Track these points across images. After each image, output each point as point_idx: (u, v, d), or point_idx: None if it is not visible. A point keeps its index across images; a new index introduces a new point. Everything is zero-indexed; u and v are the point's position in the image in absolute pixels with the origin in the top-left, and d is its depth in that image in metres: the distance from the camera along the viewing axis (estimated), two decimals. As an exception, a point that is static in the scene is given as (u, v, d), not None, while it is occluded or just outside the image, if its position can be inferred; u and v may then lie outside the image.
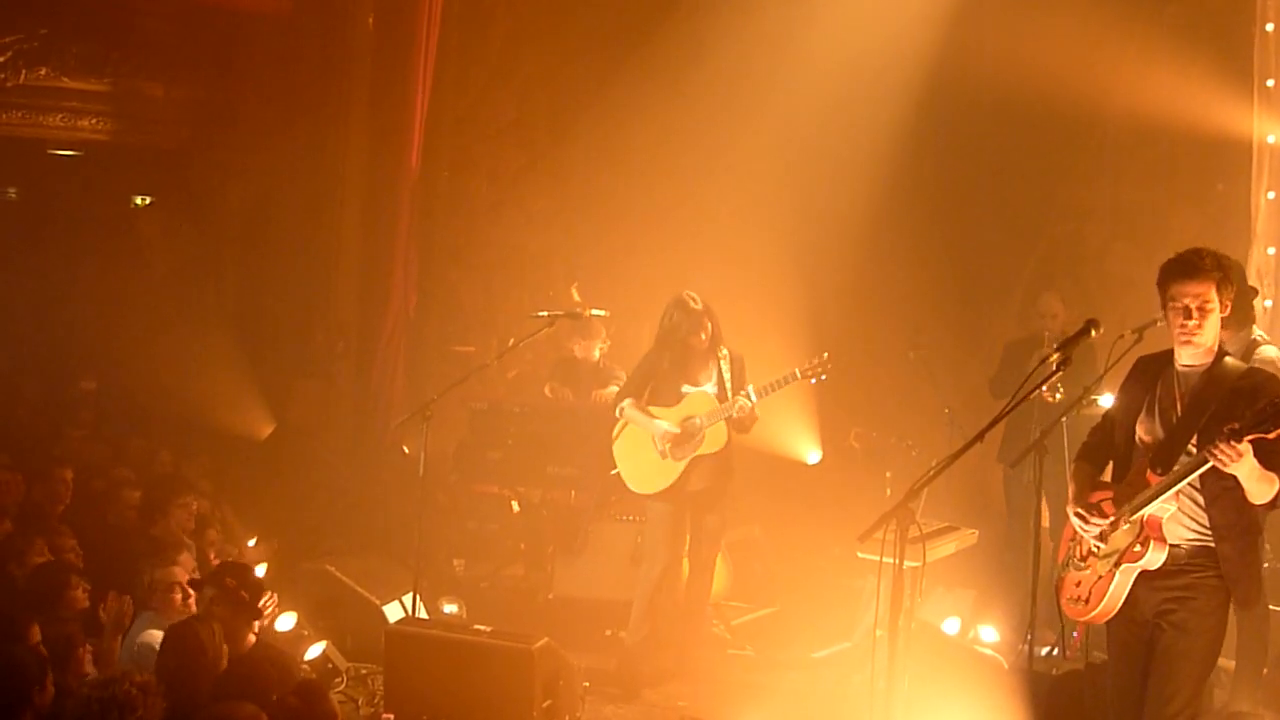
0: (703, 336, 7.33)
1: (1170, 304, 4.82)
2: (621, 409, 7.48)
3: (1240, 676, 6.51)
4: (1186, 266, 4.78)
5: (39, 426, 10.16)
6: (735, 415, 7.27)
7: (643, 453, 7.40)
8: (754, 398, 7.23)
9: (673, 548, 7.47)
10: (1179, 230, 9.98)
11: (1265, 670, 6.71)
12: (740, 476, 7.95)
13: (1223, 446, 4.52)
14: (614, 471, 7.45)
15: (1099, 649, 6.06)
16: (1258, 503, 4.68)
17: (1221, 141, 8.95)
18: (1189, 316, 4.76)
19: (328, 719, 5.14)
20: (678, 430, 7.31)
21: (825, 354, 7.32)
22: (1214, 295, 4.76)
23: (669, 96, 11.06)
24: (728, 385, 7.39)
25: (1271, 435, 4.46)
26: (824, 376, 7.33)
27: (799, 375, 7.29)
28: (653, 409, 7.43)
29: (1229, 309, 4.84)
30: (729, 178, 10.89)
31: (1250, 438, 4.47)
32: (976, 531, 6.77)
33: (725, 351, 7.44)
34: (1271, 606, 6.40)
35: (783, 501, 9.70)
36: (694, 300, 7.33)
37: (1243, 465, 4.56)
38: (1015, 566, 8.05)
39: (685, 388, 7.39)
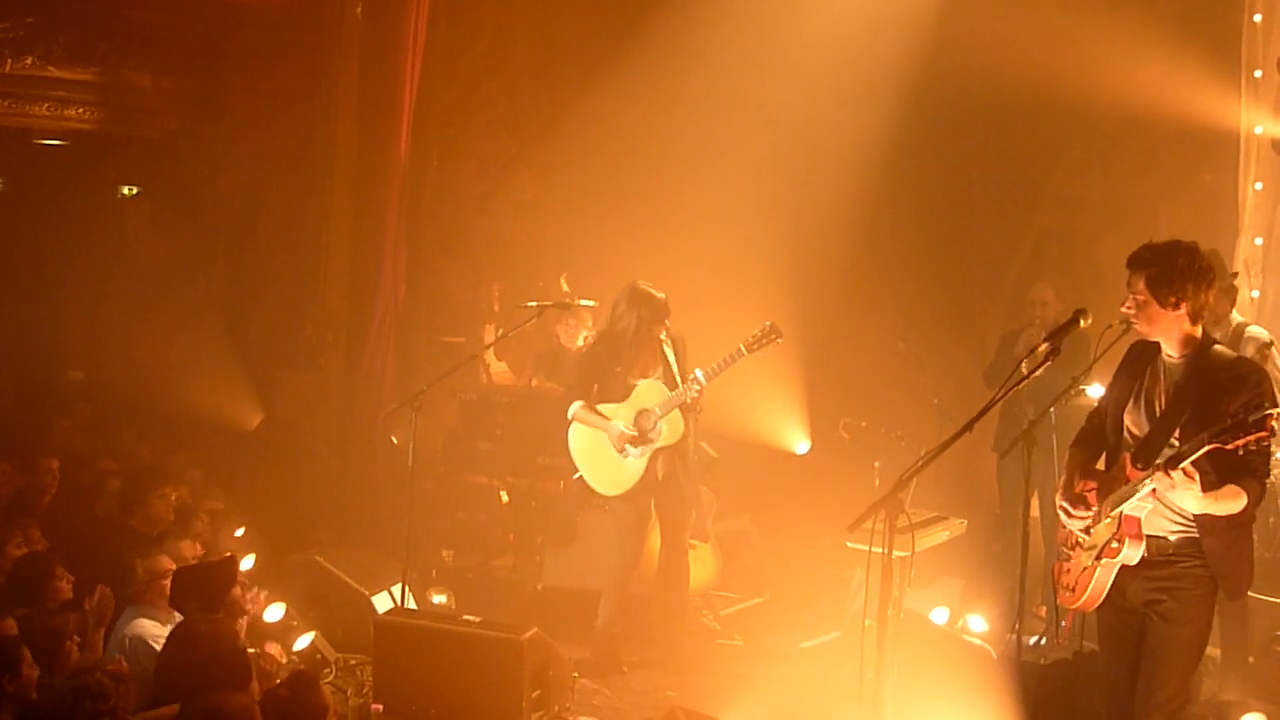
0: (666, 325, 7.26)
1: None
2: (573, 412, 7.33)
3: (1226, 665, 6.54)
4: (1130, 256, 4.80)
5: (26, 417, 10.13)
6: (688, 401, 7.17)
7: (602, 453, 7.32)
8: (703, 380, 7.12)
9: (639, 540, 7.46)
10: (1168, 221, 10.01)
11: (1250, 658, 6.75)
12: (729, 467, 7.96)
13: (1157, 475, 4.51)
14: (576, 476, 7.35)
15: (1089, 639, 6.08)
16: (1231, 514, 4.61)
17: (1210, 132, 8.98)
18: (1129, 307, 4.79)
19: (320, 710, 5.13)
20: (634, 432, 7.23)
21: (767, 323, 7.16)
22: (1144, 288, 4.71)
23: (658, 88, 11.05)
24: (675, 371, 7.29)
25: (1228, 447, 4.38)
26: (778, 340, 7.15)
27: (744, 351, 7.13)
28: (602, 407, 7.33)
29: (1180, 306, 4.70)
30: (718, 169, 10.88)
31: (1207, 449, 4.41)
32: (965, 521, 6.78)
33: (664, 335, 7.32)
34: (1254, 594, 6.42)
35: (771, 492, 9.72)
36: (655, 289, 7.25)
37: (1186, 498, 4.55)
38: (1004, 556, 8.10)
39: (633, 380, 7.31)
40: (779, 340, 7.16)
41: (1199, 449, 4.42)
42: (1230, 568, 4.74)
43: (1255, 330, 7.08)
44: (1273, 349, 6.93)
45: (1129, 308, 4.78)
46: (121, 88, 11.19)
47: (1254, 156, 8.64)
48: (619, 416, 7.27)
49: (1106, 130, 10.61)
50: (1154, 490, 4.63)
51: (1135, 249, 4.81)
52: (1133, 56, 9.53)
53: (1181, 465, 4.45)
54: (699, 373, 7.14)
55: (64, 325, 11.56)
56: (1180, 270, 4.71)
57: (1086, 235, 10.94)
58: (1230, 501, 4.56)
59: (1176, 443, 4.65)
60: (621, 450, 7.26)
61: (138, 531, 7.26)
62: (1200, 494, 4.51)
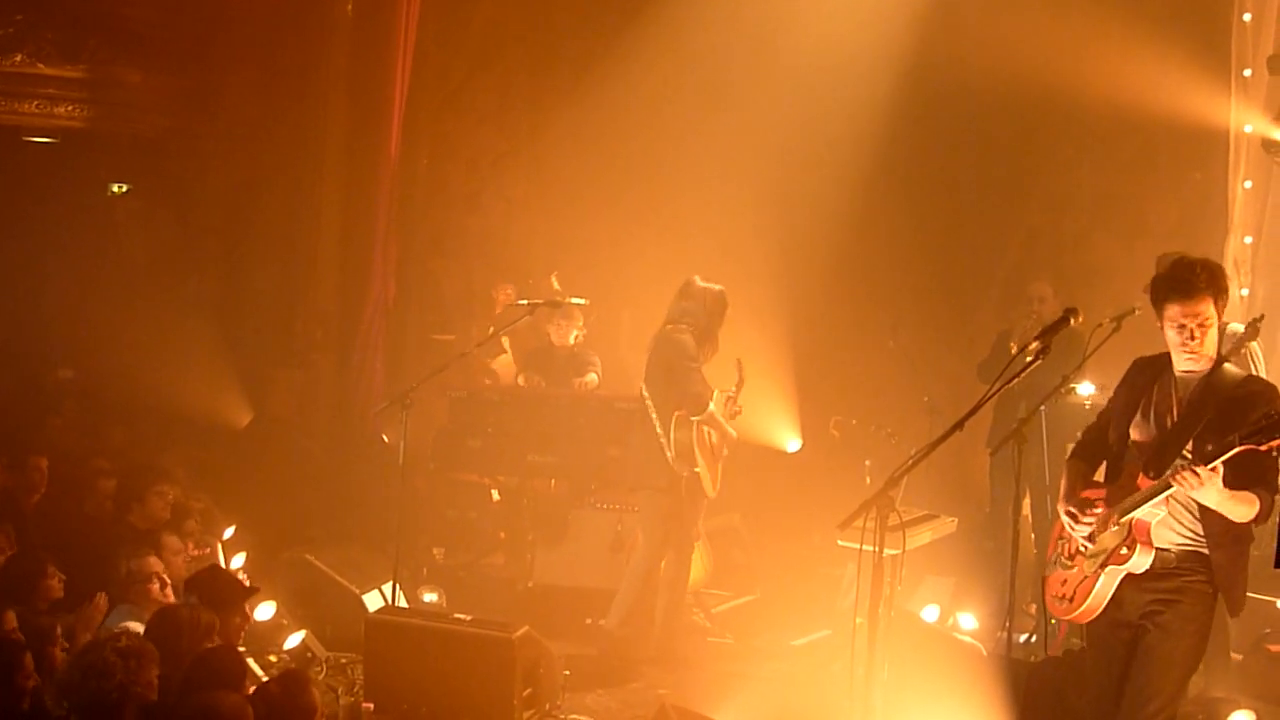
0: None
1: (1169, 322, 4.75)
2: (709, 412, 7.33)
3: (1211, 664, 6.55)
4: (1184, 286, 4.71)
5: (16, 415, 10.09)
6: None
7: (708, 454, 7.44)
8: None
9: (669, 541, 7.48)
10: (1157, 219, 10.04)
11: (1238, 656, 6.78)
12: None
13: (1182, 474, 4.52)
14: (696, 469, 7.34)
15: (1080, 638, 6.10)
16: (1240, 522, 4.64)
17: (1199, 131, 9.00)
18: (1191, 336, 4.72)
19: (309, 709, 5.13)
20: (733, 432, 7.52)
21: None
22: (1211, 311, 4.72)
23: (649, 86, 11.05)
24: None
25: (1263, 448, 4.40)
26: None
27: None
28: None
29: (1219, 318, 4.80)
30: (709, 167, 10.89)
31: (1238, 450, 4.43)
32: (955, 519, 6.79)
33: None
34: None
35: (763, 490, 9.72)
36: (713, 284, 7.44)
37: (1208, 493, 4.55)
38: (995, 554, 8.10)
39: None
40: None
41: (1228, 450, 4.44)
42: (1234, 581, 4.77)
43: (1235, 327, 7.10)
44: (1251, 342, 6.96)
45: (1194, 337, 4.71)
46: (111, 85, 11.15)
47: (1244, 155, 8.67)
48: None
49: (1097, 128, 10.63)
50: (1168, 497, 4.65)
51: (1176, 278, 4.73)
52: (1123, 55, 9.54)
53: (1212, 464, 4.46)
54: (731, 392, 7.59)
55: (54, 323, 11.53)
56: (1221, 278, 4.79)
57: (1076, 233, 10.96)
58: (1245, 505, 4.59)
59: (1189, 454, 4.66)
60: (717, 454, 7.48)
61: (133, 527, 7.24)
62: (1222, 487, 4.52)
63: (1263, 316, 6.97)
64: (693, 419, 7.28)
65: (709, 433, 7.41)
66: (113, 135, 11.60)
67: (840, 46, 10.26)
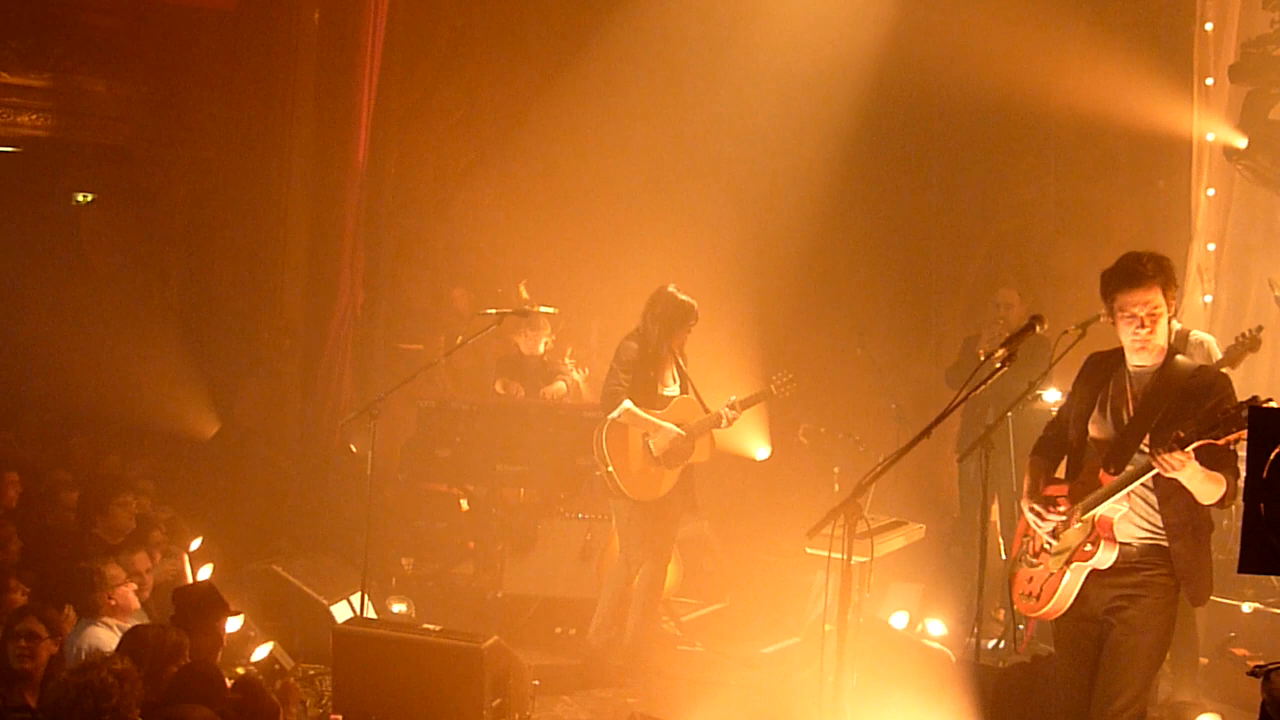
0: (691, 329, 7.35)
1: (1119, 313, 4.83)
2: (621, 410, 7.22)
3: (1179, 667, 6.61)
4: (1131, 276, 4.79)
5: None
6: (724, 427, 7.35)
7: (636, 456, 7.31)
8: (738, 410, 7.36)
9: (649, 550, 7.41)
10: (1121, 227, 10.10)
11: (1203, 659, 6.83)
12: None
13: (1165, 456, 4.56)
14: (609, 469, 7.25)
15: (1046, 641, 6.13)
16: (1206, 503, 4.72)
17: (1162, 139, 9.07)
18: (1141, 325, 4.79)
19: (270, 710, 5.17)
20: (685, 434, 7.29)
21: (790, 375, 7.55)
22: (1161, 300, 4.79)
23: (617, 96, 11.07)
24: (694, 387, 7.42)
25: (1220, 441, 4.49)
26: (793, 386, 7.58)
27: (774, 391, 7.51)
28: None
29: (1171, 309, 4.88)
30: (676, 176, 10.91)
31: (1199, 444, 4.51)
32: (924, 526, 6.82)
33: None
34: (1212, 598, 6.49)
35: (731, 497, 9.73)
36: (682, 293, 7.33)
37: (1185, 471, 4.60)
38: (963, 560, 8.15)
39: (663, 390, 7.37)
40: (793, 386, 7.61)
41: (1195, 440, 4.51)
42: (1195, 573, 4.83)
43: (1199, 334, 7.18)
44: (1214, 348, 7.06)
45: (1147, 326, 4.79)
46: (75, 94, 11.09)
47: (1206, 163, 8.74)
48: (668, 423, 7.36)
49: (1061, 137, 10.70)
50: (1130, 493, 4.72)
51: (1124, 269, 4.82)
52: (1086, 64, 9.61)
53: (1188, 447, 4.52)
54: (733, 399, 7.38)
55: (16, 335, 11.42)
56: (1172, 271, 4.86)
57: (1041, 241, 11.02)
58: (1215, 485, 4.65)
59: (1146, 449, 4.73)
60: (659, 458, 7.27)
61: (98, 540, 7.19)
62: (1198, 468, 4.58)
63: (1261, 328, 7.03)
64: (608, 416, 7.24)
65: (644, 435, 7.30)
66: (77, 145, 11.53)
67: (807, 57, 10.30)
